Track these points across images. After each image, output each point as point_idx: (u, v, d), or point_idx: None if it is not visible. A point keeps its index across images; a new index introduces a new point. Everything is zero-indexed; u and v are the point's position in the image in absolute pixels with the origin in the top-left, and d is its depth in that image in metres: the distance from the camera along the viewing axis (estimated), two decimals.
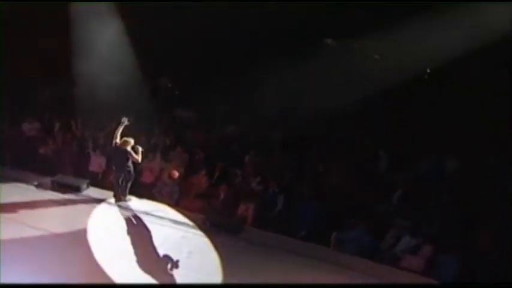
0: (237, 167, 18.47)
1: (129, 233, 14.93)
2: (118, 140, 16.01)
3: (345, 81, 20.33)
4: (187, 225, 15.66)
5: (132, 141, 15.88)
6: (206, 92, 22.21)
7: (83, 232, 14.62)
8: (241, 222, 16.05)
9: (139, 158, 15.92)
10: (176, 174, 17.44)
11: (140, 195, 16.87)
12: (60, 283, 12.03)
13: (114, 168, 16.49)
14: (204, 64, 22.95)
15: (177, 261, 13.69)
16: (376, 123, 20.09)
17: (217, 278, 13.23)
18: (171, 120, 22.23)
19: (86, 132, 20.03)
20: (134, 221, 15.65)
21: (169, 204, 16.78)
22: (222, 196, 17.00)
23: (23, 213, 15.33)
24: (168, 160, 18.67)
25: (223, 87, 21.53)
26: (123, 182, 16.28)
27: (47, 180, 17.21)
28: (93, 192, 17.12)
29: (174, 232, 15.24)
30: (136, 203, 16.57)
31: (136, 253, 13.89)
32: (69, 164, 19.07)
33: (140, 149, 16.03)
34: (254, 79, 21.02)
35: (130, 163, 16.03)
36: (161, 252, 14.11)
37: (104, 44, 22.14)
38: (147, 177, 18.37)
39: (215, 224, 15.57)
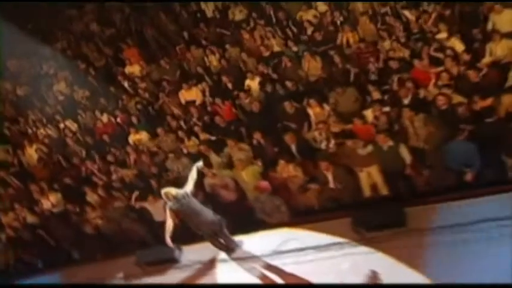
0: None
1: None
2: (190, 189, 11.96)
3: None
4: (344, 243, 11.88)
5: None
6: None
7: None
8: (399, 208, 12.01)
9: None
10: (267, 185, 13.69)
11: (242, 228, 13.38)
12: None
13: (193, 226, 12.15)
14: None
15: None
16: None
17: None
18: None
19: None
20: (285, 271, 11.90)
21: (289, 225, 13.30)
22: (330, 176, 13.42)
23: None
24: (230, 166, 14.95)
25: None
26: (218, 231, 12.34)
27: (127, 264, 13.75)
28: (191, 253, 13.34)
29: (341, 261, 11.42)
30: (255, 243, 12.94)
31: None
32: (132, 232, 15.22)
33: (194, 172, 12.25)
34: None
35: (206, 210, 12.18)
36: None
37: None
38: (226, 197, 14.49)
39: (372, 223, 11.86)
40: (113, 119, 18.65)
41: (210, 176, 14.58)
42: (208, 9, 21.70)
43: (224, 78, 17.87)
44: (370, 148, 13.26)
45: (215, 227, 12.16)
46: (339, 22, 18.03)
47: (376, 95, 14.68)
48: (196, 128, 16.46)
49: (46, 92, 21.76)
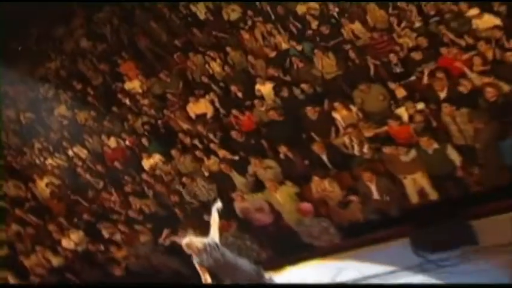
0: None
1: None
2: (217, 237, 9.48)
3: None
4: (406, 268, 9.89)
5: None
6: None
7: None
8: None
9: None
10: (310, 208, 11.92)
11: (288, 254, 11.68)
12: None
13: (229, 280, 9.53)
14: None
15: None
16: None
17: None
18: None
19: None
20: None
21: (340, 249, 11.49)
22: (374, 187, 11.56)
23: None
24: (259, 187, 13.09)
25: None
26: (257, 280, 9.67)
27: None
28: None
29: None
30: (307, 275, 11.03)
31: None
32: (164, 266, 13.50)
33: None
34: None
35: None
36: None
37: None
38: (262, 220, 12.65)
39: (434, 242, 9.81)
40: (122, 142, 16.43)
41: (239, 199, 12.66)
42: (200, 11, 19.35)
43: (233, 87, 15.55)
44: (413, 153, 11.38)
45: (254, 277, 9.75)
46: (335, 14, 15.81)
47: (404, 90, 12.49)
48: (212, 145, 14.38)
49: (48, 117, 19.67)
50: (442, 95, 11.89)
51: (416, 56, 13.08)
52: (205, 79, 16.62)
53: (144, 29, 20.21)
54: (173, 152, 14.90)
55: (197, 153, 14.61)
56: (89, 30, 22.29)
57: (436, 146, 11.11)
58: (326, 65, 14.72)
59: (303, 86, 14.35)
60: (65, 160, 17.59)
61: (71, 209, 16.01)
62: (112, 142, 16.80)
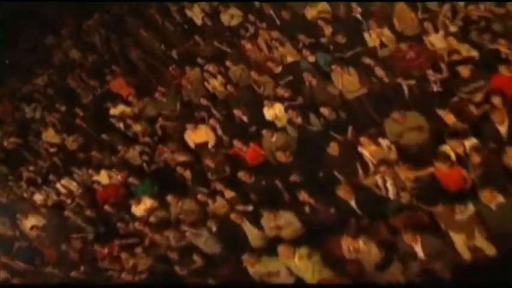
0: None
1: None
2: None
3: None
4: None
5: None
6: None
7: None
8: None
9: None
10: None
11: None
12: None
13: None
14: None
15: None
16: None
17: None
18: None
19: None
20: None
21: None
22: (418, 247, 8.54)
23: None
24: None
25: None
26: None
27: None
28: None
29: None
30: None
31: None
32: None
33: None
34: None
35: None
36: None
37: None
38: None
39: None
40: (115, 176, 13.06)
41: (250, 263, 9.49)
42: (197, 16, 16.04)
43: (236, 111, 12.14)
44: (471, 210, 8.13)
45: None
46: (358, 15, 12.21)
47: (449, 118, 9.16)
48: (218, 185, 11.05)
49: (36, 143, 16.13)
50: (503, 129, 8.51)
51: (464, 71, 9.52)
52: (204, 101, 13.18)
53: (135, 38, 17.00)
54: (169, 199, 11.62)
55: (200, 196, 11.23)
56: (78, 40, 19.12)
57: (501, 199, 7.84)
58: (347, 82, 11.33)
59: (323, 110, 10.98)
60: (52, 197, 14.25)
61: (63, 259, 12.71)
62: (103, 177, 13.40)
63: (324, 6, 13.46)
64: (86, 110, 16.07)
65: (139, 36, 16.84)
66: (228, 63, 13.75)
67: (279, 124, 11.85)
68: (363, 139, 9.88)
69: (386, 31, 11.71)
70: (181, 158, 12.67)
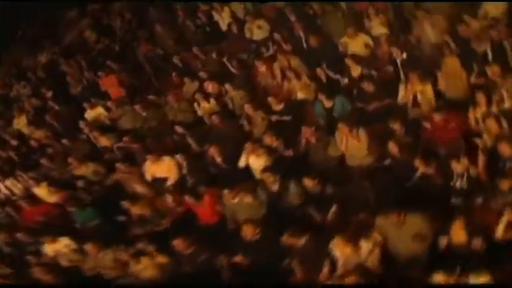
0: None
1: None
2: None
3: None
4: None
5: None
6: None
7: None
8: None
9: None
10: None
11: None
12: None
13: None
14: None
15: None
16: None
17: None
18: None
19: None
20: None
21: None
22: None
23: None
24: None
25: None
26: None
27: None
28: None
29: None
30: None
31: None
32: None
33: None
34: None
35: None
36: None
37: None
38: None
39: None
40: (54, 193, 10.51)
41: None
42: (223, 21, 13.57)
43: (212, 149, 9.34)
44: None
45: None
46: (399, 60, 9.33)
47: (458, 235, 6.29)
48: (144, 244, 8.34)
49: (4, 128, 14.02)
50: None
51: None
52: (180, 128, 10.49)
53: (150, 31, 14.88)
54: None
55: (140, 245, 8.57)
56: (98, 20, 17.15)
57: None
58: (352, 146, 8.41)
59: (306, 181, 8.11)
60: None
61: None
62: (42, 190, 10.85)
63: (364, 40, 10.55)
64: (63, 104, 13.63)
65: (154, 30, 14.47)
66: (227, 86, 10.96)
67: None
68: (337, 240, 6.88)
69: (426, 88, 8.72)
70: (139, 189, 9.98)
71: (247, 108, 10.29)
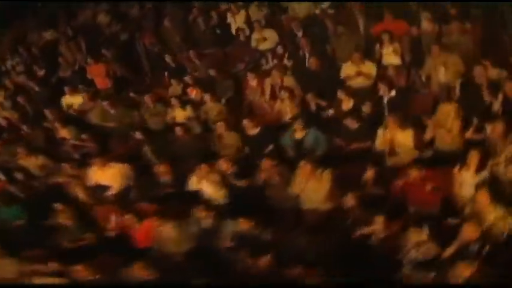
0: None
1: None
2: None
3: None
4: None
5: None
6: None
7: None
8: None
9: None
10: None
11: None
12: None
13: None
14: None
15: None
16: None
17: None
18: None
19: None
20: None
21: None
22: None
23: None
24: None
25: None
26: None
27: None
28: None
29: None
30: None
31: None
32: None
33: None
34: None
35: None
36: None
37: None
38: None
39: None
40: None
41: None
42: (235, 23, 12.66)
43: (161, 167, 8.15)
44: None
45: None
46: (386, 98, 8.30)
47: None
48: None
49: None
50: None
51: None
52: (139, 134, 9.32)
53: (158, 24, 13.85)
54: None
55: None
56: (115, 5, 15.84)
57: None
58: (311, 189, 7.00)
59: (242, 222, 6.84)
60: None
61: None
62: None
63: (370, 68, 9.23)
64: (44, 86, 12.70)
65: (163, 24, 13.55)
66: (207, 97, 9.75)
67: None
68: None
69: (406, 135, 7.29)
70: (79, 193, 8.83)
71: (220, 127, 9.00)
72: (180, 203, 7.93)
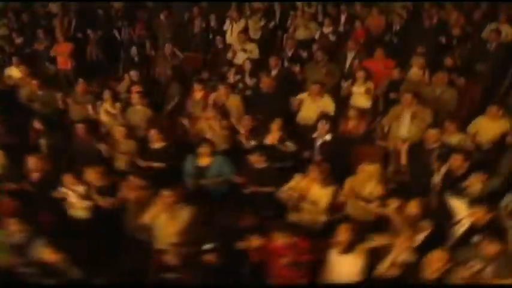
0: None
1: None
2: None
3: None
4: None
5: None
6: None
7: None
8: None
9: None
10: None
11: None
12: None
13: None
14: None
15: None
16: None
17: None
18: None
19: None
20: None
21: None
22: None
23: None
24: None
25: None
26: None
27: None
28: None
29: None
30: None
31: None
32: None
33: None
34: None
35: None
36: None
37: None
38: None
39: None
40: None
41: None
42: (231, 33, 11.96)
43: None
44: None
45: None
46: (318, 143, 7.24)
47: None
48: None
49: None
50: None
51: None
52: (38, 124, 8.24)
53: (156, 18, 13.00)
54: None
55: None
56: None
57: None
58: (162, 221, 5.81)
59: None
60: None
61: None
62: None
63: (326, 104, 7.89)
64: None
65: (158, 19, 12.79)
66: (135, 92, 8.57)
67: None
68: None
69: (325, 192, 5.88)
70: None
71: (119, 132, 7.69)
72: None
